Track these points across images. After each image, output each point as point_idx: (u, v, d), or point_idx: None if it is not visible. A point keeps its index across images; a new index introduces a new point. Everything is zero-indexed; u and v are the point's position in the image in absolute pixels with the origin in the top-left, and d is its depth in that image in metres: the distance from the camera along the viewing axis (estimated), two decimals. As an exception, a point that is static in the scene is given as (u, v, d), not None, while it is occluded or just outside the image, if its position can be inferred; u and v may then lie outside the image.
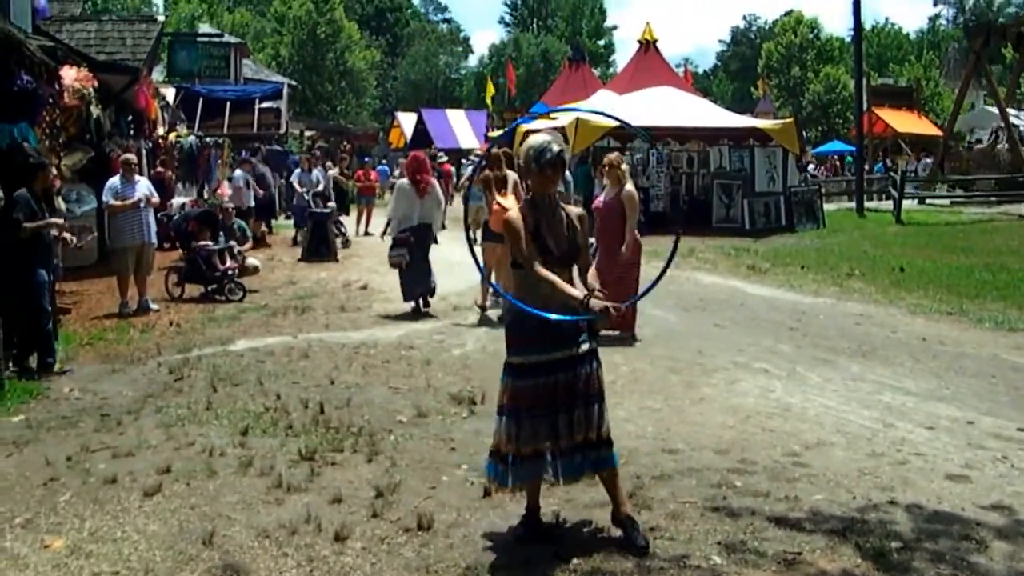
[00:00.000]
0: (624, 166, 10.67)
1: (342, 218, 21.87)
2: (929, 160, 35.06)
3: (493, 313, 11.61)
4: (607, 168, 10.63)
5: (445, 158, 32.11)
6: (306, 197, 20.38)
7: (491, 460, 5.09)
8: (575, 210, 5.11)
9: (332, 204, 21.23)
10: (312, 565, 4.75)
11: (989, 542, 4.92)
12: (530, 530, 5.06)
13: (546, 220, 4.95)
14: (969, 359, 9.48)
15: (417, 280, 12.14)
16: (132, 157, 13.30)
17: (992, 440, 6.74)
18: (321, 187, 21.94)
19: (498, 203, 10.66)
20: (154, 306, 12.46)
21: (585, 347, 4.93)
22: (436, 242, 12.46)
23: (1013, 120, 32.10)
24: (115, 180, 12.41)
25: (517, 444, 4.92)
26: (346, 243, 20.40)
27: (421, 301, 12.20)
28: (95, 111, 13.60)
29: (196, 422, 7.25)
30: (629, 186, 10.41)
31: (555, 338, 4.86)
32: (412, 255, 12.03)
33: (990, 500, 5.52)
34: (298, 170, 22.06)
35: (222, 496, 5.67)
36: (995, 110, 33.75)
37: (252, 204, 20.64)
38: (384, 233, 12.68)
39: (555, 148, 4.92)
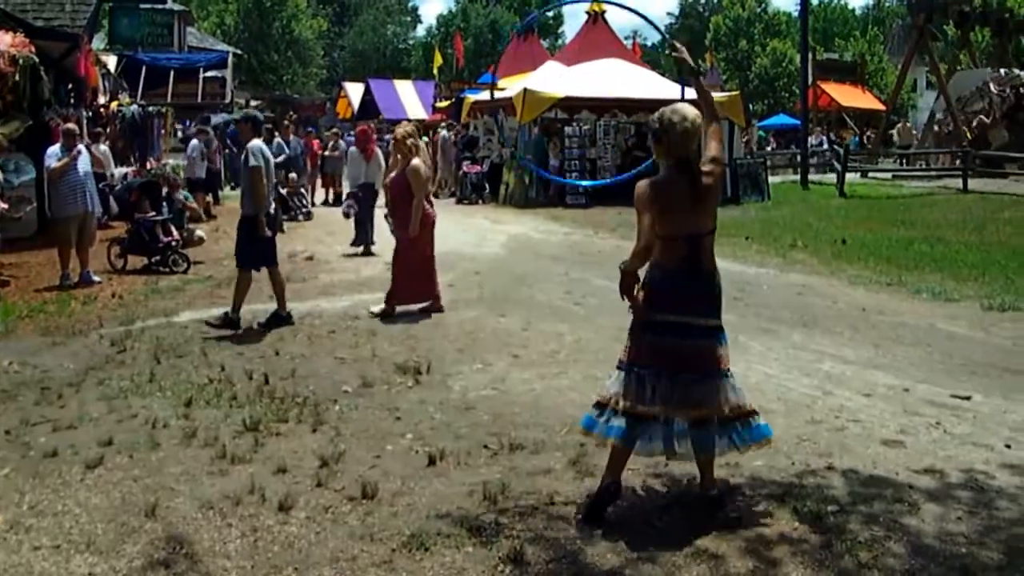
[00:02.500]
0: (410, 140, 10.35)
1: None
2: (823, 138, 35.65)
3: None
4: (394, 142, 10.57)
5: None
6: None
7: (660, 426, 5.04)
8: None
9: (293, 175, 21.06)
10: (256, 535, 4.76)
11: (921, 504, 5.05)
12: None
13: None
14: (907, 329, 9.66)
15: (363, 227, 14.97)
16: (74, 127, 13.12)
17: (927, 407, 6.89)
18: (282, 158, 21.71)
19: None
20: (96, 278, 12.31)
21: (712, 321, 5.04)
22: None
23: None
24: (56, 148, 12.24)
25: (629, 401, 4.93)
26: (309, 215, 20.23)
27: (368, 245, 14.87)
28: (38, 78, 13.38)
29: (139, 394, 7.21)
30: (415, 161, 10.15)
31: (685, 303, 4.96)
32: (360, 206, 15.11)
33: (923, 464, 5.65)
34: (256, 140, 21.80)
35: (165, 468, 5.66)
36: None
37: (203, 176, 20.40)
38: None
39: (652, 121, 5.06)
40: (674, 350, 4.92)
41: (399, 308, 10.15)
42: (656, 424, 5.01)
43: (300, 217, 19.88)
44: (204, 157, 20.29)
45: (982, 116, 29.98)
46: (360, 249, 15.01)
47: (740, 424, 5.04)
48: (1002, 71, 31.88)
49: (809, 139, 33.62)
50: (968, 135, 29.13)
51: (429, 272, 10.31)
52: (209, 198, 21.19)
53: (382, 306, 10.21)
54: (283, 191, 19.71)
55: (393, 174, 10.57)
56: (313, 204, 22.37)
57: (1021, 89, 30.10)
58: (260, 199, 9.57)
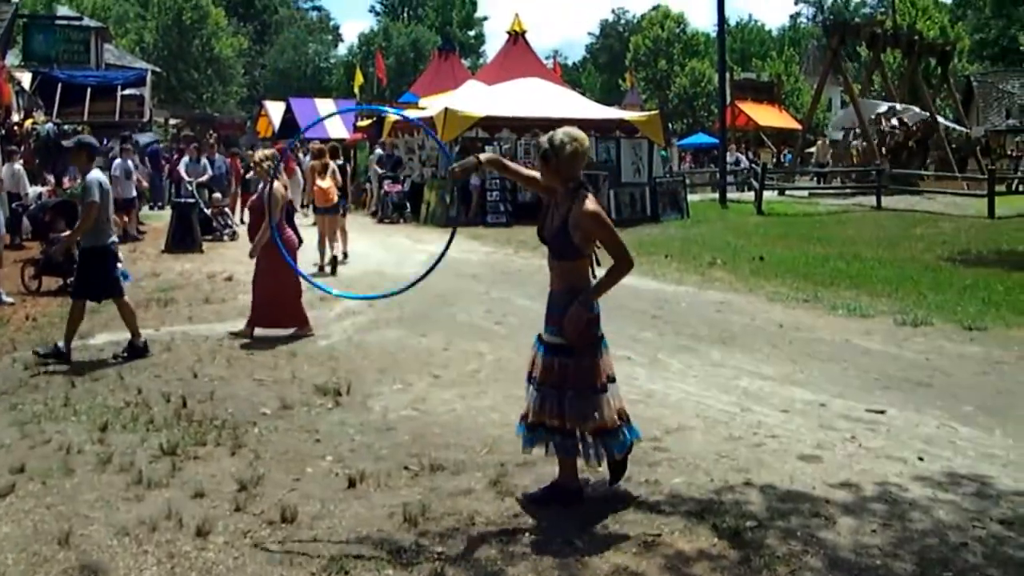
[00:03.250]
0: (266, 163, 10.17)
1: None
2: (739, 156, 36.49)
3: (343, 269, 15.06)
4: (256, 163, 10.56)
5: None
6: (190, 187, 19.87)
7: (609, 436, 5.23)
8: (583, 208, 5.04)
9: (217, 195, 20.88)
10: (173, 561, 4.68)
11: (837, 518, 5.14)
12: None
13: (550, 210, 5.21)
14: (823, 344, 9.84)
15: None
16: None
17: (842, 421, 7.02)
18: (206, 177, 21.46)
19: (318, 185, 14.91)
20: (9, 299, 12.04)
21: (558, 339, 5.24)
22: (296, 211, 16.30)
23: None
24: None
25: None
26: (234, 236, 19.94)
27: None
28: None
29: (53, 419, 7.05)
30: (275, 184, 9.87)
31: (547, 319, 5.34)
32: None
33: (839, 478, 5.75)
34: (185, 158, 21.52)
35: (79, 494, 5.54)
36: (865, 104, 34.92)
37: (133, 195, 20.02)
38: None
39: (542, 142, 5.15)
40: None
41: (259, 331, 9.98)
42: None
43: (225, 237, 19.65)
44: (128, 176, 19.96)
45: (857, 146, 30.89)
46: None
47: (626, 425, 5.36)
48: (898, 106, 32.76)
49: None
50: (878, 155, 29.81)
51: (293, 297, 10.07)
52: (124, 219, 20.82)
53: (240, 327, 10.08)
54: (208, 211, 19.56)
55: (253, 197, 10.52)
56: (239, 223, 22.16)
57: (913, 127, 30.98)
58: (96, 232, 9.01)
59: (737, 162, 35.11)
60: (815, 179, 34.71)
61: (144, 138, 29.02)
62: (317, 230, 15.27)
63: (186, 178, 20.73)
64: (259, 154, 10.70)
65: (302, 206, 20.48)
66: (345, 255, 15.88)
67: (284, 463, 6.06)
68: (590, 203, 5.05)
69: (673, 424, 6.88)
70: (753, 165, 32.96)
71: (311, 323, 10.19)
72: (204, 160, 21.59)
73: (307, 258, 15.08)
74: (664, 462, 6.03)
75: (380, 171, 25.59)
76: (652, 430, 6.70)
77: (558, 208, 5.14)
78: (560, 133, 5.12)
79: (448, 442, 6.42)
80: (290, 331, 10.02)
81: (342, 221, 16.01)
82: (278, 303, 9.94)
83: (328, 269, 14.81)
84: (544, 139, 5.13)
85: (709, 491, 5.55)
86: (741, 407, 7.41)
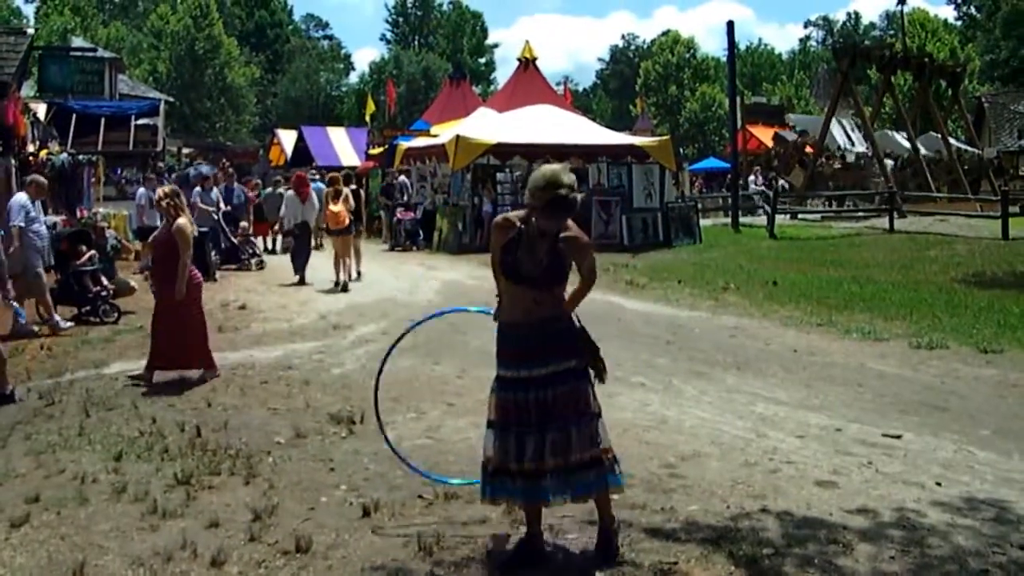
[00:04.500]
0: (165, 201, 9.46)
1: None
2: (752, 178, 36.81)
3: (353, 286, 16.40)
4: (157, 200, 9.90)
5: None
6: (215, 217, 19.92)
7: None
8: (578, 232, 4.97)
9: (244, 224, 21.03)
10: (187, 592, 4.67)
11: (854, 545, 5.10)
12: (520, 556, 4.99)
13: (528, 241, 4.90)
14: (837, 369, 9.80)
15: (300, 260, 17.40)
16: (43, 179, 13.18)
17: (858, 446, 6.98)
18: (224, 207, 21.47)
19: (330, 209, 16.49)
20: (66, 324, 12.22)
21: (557, 367, 4.91)
22: (314, 235, 18.86)
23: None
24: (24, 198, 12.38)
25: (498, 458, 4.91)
26: (261, 264, 20.00)
27: (303, 276, 17.18)
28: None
29: (67, 448, 7.05)
30: (181, 220, 9.34)
31: (518, 356, 4.92)
32: (297, 242, 17.72)
33: (856, 504, 5.72)
34: (197, 189, 21.63)
35: (94, 524, 5.53)
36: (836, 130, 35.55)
37: (157, 223, 20.03)
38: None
39: (562, 191, 4.74)
40: None
41: (158, 377, 9.30)
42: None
43: (253, 265, 19.69)
44: (152, 204, 20.03)
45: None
46: (297, 279, 17.20)
47: None
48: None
49: (750, 181, 34.45)
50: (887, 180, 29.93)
51: (199, 336, 9.52)
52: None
53: (139, 371, 9.43)
54: (235, 240, 19.70)
55: (156, 233, 10.08)
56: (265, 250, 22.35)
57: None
58: None
59: (745, 187, 35.03)
60: (827, 203, 34.66)
61: (205, 168, 29.00)
62: (332, 250, 17.09)
63: (209, 209, 20.75)
64: (160, 191, 9.96)
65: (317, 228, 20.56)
66: (359, 273, 17.38)
67: (298, 492, 6.05)
68: (576, 227, 5.00)
69: (688, 450, 6.86)
70: (765, 189, 32.90)
71: (217, 365, 9.64)
72: (215, 191, 21.65)
73: (320, 277, 17.04)
74: (679, 489, 6.00)
75: (387, 202, 25.70)
76: (667, 456, 6.69)
77: (539, 239, 4.88)
78: (566, 177, 4.78)
79: (462, 471, 6.38)
80: (197, 373, 9.41)
81: (355, 242, 17.54)
82: (181, 343, 9.33)
83: (340, 288, 16.19)
84: (565, 191, 4.75)
85: (725, 518, 5.51)
86: (756, 433, 7.38)
